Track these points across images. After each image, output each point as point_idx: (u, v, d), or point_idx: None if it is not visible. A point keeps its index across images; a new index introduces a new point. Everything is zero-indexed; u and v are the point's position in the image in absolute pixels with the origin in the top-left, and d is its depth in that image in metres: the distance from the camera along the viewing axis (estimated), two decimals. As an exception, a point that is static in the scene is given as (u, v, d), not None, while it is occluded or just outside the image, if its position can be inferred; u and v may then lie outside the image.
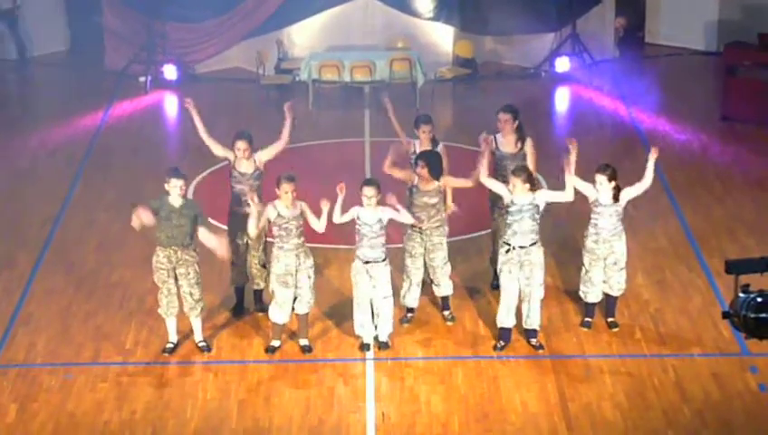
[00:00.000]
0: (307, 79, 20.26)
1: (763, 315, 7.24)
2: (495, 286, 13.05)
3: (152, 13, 21.57)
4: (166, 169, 12.21)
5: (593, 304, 12.78)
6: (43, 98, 21.59)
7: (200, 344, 12.46)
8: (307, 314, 12.40)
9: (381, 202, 12.05)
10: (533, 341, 12.44)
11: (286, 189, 11.95)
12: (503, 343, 12.41)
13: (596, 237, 12.45)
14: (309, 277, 12.22)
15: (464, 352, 12.48)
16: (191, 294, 12.22)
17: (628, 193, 12.42)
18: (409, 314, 12.94)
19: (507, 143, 13.11)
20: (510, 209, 12.05)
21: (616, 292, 12.71)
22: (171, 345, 12.43)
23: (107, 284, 14.00)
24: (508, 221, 12.10)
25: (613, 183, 12.29)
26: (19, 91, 22.19)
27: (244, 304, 13.19)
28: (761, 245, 14.51)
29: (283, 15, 21.78)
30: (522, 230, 12.05)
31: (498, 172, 13.09)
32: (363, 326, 12.35)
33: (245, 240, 12.83)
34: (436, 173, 12.40)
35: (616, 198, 12.34)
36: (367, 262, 12.13)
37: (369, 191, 11.99)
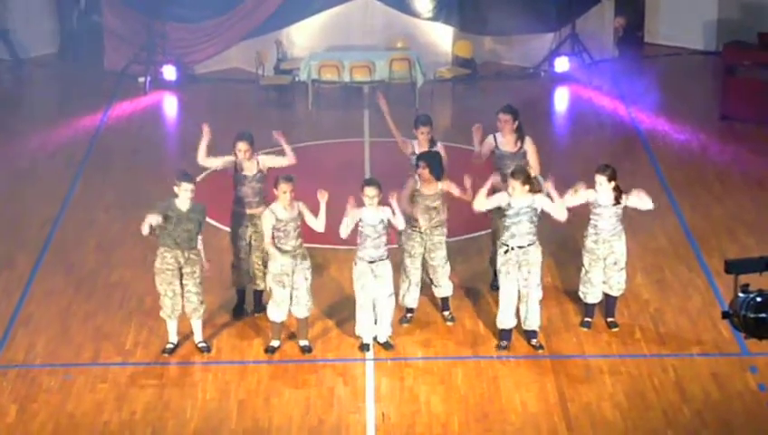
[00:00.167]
0: (306, 79, 20.26)
1: (763, 315, 7.24)
2: (495, 287, 13.04)
3: (152, 13, 21.57)
4: (176, 173, 12.18)
5: (593, 305, 12.78)
6: (42, 99, 21.58)
7: (200, 345, 12.46)
8: (307, 317, 12.39)
9: (383, 201, 12.05)
10: (534, 341, 12.44)
11: (284, 189, 11.95)
12: (505, 343, 12.40)
13: (596, 238, 12.45)
14: (306, 279, 12.22)
15: (463, 352, 12.48)
16: (196, 294, 12.22)
17: (630, 201, 12.40)
18: (409, 315, 12.94)
19: (507, 142, 13.12)
20: (508, 213, 12.04)
21: (616, 292, 12.71)
22: (171, 346, 12.43)
23: (106, 284, 14.00)
24: (506, 224, 12.09)
25: (613, 183, 12.28)
26: (19, 91, 22.16)
27: (244, 305, 13.18)
28: (760, 244, 14.52)
29: (282, 16, 21.77)
30: (520, 232, 12.05)
31: (497, 172, 13.11)
32: (365, 327, 12.34)
33: (248, 242, 12.83)
34: (437, 173, 12.39)
35: (617, 200, 12.32)
36: (371, 261, 12.13)
37: (370, 191, 11.99)
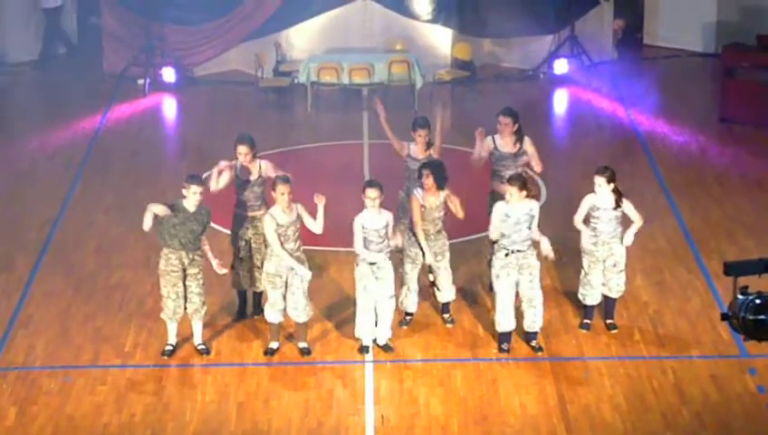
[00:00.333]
0: (306, 81, 20.27)
1: (762, 317, 7.24)
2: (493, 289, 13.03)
3: (151, 15, 21.58)
4: (186, 176, 12.16)
5: (592, 307, 12.79)
6: (42, 100, 21.58)
7: (199, 347, 12.46)
8: (306, 322, 12.39)
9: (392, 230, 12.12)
10: (533, 343, 12.44)
11: (282, 191, 11.94)
12: (506, 346, 12.40)
13: (595, 240, 12.45)
14: (301, 282, 12.21)
15: (463, 354, 12.48)
16: (199, 295, 12.23)
17: (626, 207, 12.39)
18: (408, 317, 12.94)
19: (506, 144, 13.13)
20: (507, 222, 12.00)
21: (615, 294, 12.71)
22: (171, 347, 12.43)
23: (106, 286, 14.00)
24: (506, 232, 12.05)
25: (612, 185, 12.28)
26: (18, 93, 22.16)
27: (246, 308, 13.17)
28: (759, 246, 14.52)
29: (281, 18, 21.78)
30: (520, 238, 12.05)
31: (496, 173, 13.12)
32: (364, 329, 12.34)
33: (248, 244, 12.82)
34: (441, 182, 12.37)
35: (617, 203, 12.32)
36: (373, 263, 12.12)
37: (372, 193, 11.98)
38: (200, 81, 21.91)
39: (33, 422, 11.41)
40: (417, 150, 13.12)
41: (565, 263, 13.97)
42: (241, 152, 12.71)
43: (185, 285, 12.17)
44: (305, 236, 12.31)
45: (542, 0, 21.70)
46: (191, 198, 11.98)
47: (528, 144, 13.19)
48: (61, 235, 15.43)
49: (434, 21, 21.86)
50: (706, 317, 13.06)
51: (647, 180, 16.77)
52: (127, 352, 12.57)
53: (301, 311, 12.26)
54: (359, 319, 12.33)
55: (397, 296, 12.53)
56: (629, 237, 12.51)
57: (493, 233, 12.14)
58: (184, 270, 12.13)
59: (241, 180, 12.75)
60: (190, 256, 12.09)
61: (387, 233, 12.11)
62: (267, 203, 12.65)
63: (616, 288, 12.65)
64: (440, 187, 12.40)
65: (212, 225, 13.85)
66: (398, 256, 12.69)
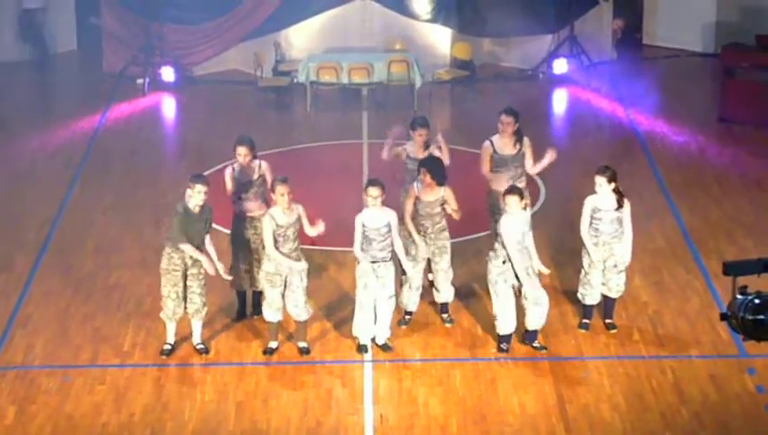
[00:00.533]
0: (305, 81, 20.27)
1: (761, 317, 7.23)
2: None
3: (150, 15, 21.58)
4: (190, 175, 12.13)
5: (591, 306, 12.78)
6: (41, 99, 21.58)
7: (198, 347, 12.46)
8: (306, 320, 12.39)
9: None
10: (536, 343, 12.42)
11: (281, 192, 11.93)
12: (505, 346, 12.39)
13: (596, 240, 12.43)
14: (301, 280, 12.21)
15: (462, 353, 12.48)
16: (200, 295, 12.22)
17: (626, 216, 12.39)
18: (407, 317, 12.93)
19: (506, 146, 13.11)
20: (515, 239, 11.96)
21: (615, 294, 12.70)
22: (169, 347, 12.43)
23: (105, 286, 14.00)
24: (509, 247, 12.01)
25: (613, 185, 12.25)
26: (17, 92, 22.16)
27: (246, 308, 13.16)
28: (759, 246, 14.52)
29: (280, 17, 21.79)
30: (519, 247, 12.05)
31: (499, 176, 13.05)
32: (363, 328, 12.33)
33: (248, 244, 12.82)
34: (439, 178, 12.36)
35: (619, 204, 12.31)
36: (374, 262, 12.12)
37: (374, 191, 11.97)
38: (199, 80, 21.91)
39: (32, 422, 11.41)
40: (415, 150, 13.11)
41: (564, 262, 13.98)
42: (240, 153, 12.71)
43: (185, 284, 12.17)
44: (305, 235, 12.30)
45: (541, 0, 21.70)
46: (196, 197, 11.97)
47: (527, 146, 13.19)
48: (60, 235, 15.42)
49: (433, 20, 21.87)
50: (705, 317, 13.06)
51: (646, 180, 16.77)
52: (125, 351, 12.56)
53: (301, 309, 12.26)
54: (357, 318, 12.32)
55: (397, 294, 12.52)
56: (627, 256, 12.53)
57: (511, 250, 11.93)
58: (186, 270, 12.12)
59: (241, 181, 12.74)
60: (194, 256, 12.09)
61: (389, 232, 12.09)
62: (267, 203, 12.64)
63: (616, 288, 12.64)
64: (439, 183, 12.40)
65: (214, 225, 13.90)
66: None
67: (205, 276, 12.24)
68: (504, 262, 12.06)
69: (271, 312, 12.29)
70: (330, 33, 21.72)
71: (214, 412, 11.52)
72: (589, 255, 12.46)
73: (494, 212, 13.01)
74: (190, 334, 12.48)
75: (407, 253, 12.49)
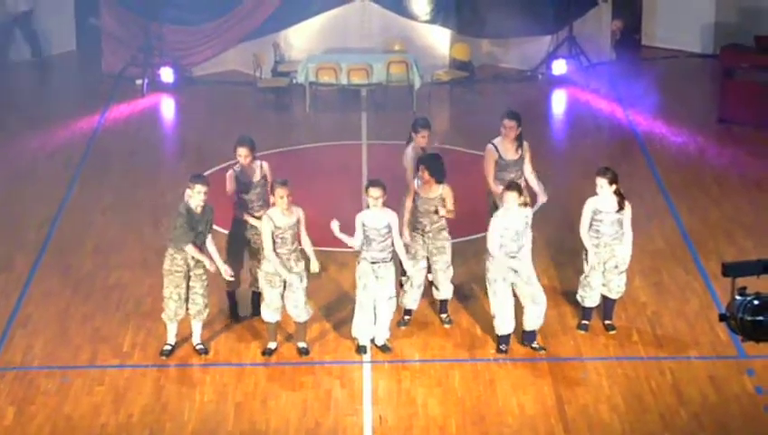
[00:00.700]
0: (304, 82, 20.26)
1: (760, 318, 7.23)
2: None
3: (149, 15, 21.57)
4: (190, 175, 12.12)
5: (591, 308, 12.78)
6: (40, 100, 21.57)
7: (198, 347, 12.46)
8: (306, 321, 12.39)
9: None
10: (534, 344, 12.42)
11: (281, 194, 11.92)
12: (504, 347, 12.39)
13: (597, 241, 12.42)
14: (301, 281, 12.21)
15: (461, 354, 12.48)
16: (202, 296, 12.22)
17: (626, 219, 12.39)
18: (407, 317, 12.93)
19: (508, 150, 13.10)
20: (507, 233, 11.96)
21: (615, 295, 12.69)
22: (169, 347, 12.42)
23: (104, 286, 14.00)
24: (504, 242, 12.00)
25: (614, 186, 12.24)
26: (17, 93, 22.16)
27: (238, 309, 13.15)
28: (758, 247, 14.53)
29: (279, 18, 21.77)
30: (516, 246, 12.06)
31: (500, 181, 12.99)
32: (362, 329, 12.33)
33: (248, 244, 12.81)
34: (438, 176, 12.37)
35: (620, 206, 12.30)
36: (374, 262, 12.12)
37: (375, 192, 11.97)
38: (198, 81, 21.90)
39: (31, 422, 11.40)
40: (415, 149, 13.08)
41: (563, 263, 13.99)
42: (241, 154, 12.70)
43: (188, 285, 12.16)
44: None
45: (540, 1, 21.71)
46: (196, 197, 11.96)
47: (526, 149, 13.19)
48: (59, 235, 15.42)
49: (432, 21, 21.85)
50: (705, 318, 13.06)
51: (645, 181, 16.77)
52: (125, 352, 12.56)
53: (301, 310, 12.26)
54: (356, 318, 12.32)
55: (397, 295, 12.52)
56: (626, 258, 12.55)
57: (492, 246, 12.03)
58: (188, 271, 12.12)
59: (242, 182, 12.74)
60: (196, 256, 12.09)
61: (389, 232, 12.09)
62: (268, 204, 12.62)
63: (616, 289, 12.64)
64: (438, 181, 12.40)
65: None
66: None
67: (207, 277, 12.23)
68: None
69: (269, 312, 12.29)
70: (329, 34, 21.70)
71: (213, 413, 11.52)
72: (588, 257, 12.44)
73: (495, 212, 13.01)
74: (189, 335, 12.48)
75: (407, 251, 12.50)
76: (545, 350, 12.40)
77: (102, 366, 12.30)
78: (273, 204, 12.05)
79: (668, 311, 13.29)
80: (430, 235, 12.58)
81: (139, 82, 21.25)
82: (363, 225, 12.04)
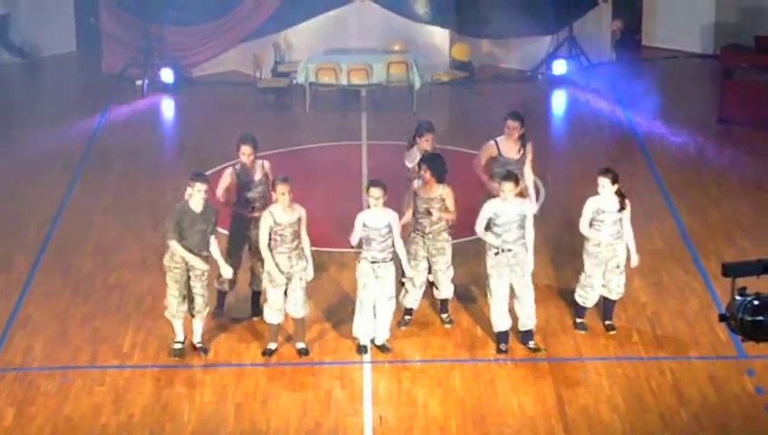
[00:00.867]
0: (304, 82, 20.26)
1: (760, 318, 7.23)
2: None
3: (149, 16, 21.58)
4: (190, 174, 12.12)
5: (588, 308, 12.78)
6: (40, 101, 21.57)
7: (198, 346, 12.44)
8: (303, 318, 12.39)
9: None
10: (531, 344, 12.43)
11: (282, 191, 11.92)
12: (504, 346, 12.40)
13: (598, 241, 12.40)
14: (301, 279, 12.21)
15: (461, 354, 12.48)
16: (202, 296, 12.22)
17: (626, 219, 12.39)
18: (407, 317, 12.93)
19: (510, 149, 13.12)
20: (497, 222, 12.03)
21: (615, 296, 12.68)
22: (180, 345, 12.34)
23: (104, 286, 14.00)
24: (497, 232, 12.05)
25: (616, 186, 12.24)
26: (17, 93, 22.17)
27: (224, 306, 13.14)
28: (757, 247, 14.53)
29: (279, 18, 21.78)
30: (511, 239, 12.06)
31: (498, 177, 13.04)
32: (362, 328, 12.33)
33: (247, 244, 12.81)
34: (439, 176, 12.38)
35: (622, 205, 12.30)
36: (374, 262, 12.12)
37: (376, 192, 11.96)
38: (198, 81, 21.91)
39: (31, 423, 11.40)
40: (419, 151, 13.08)
41: (563, 263, 13.99)
42: (245, 152, 12.69)
43: (188, 283, 12.16)
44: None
45: (540, 1, 21.71)
46: (196, 196, 11.95)
47: (529, 150, 13.20)
48: (59, 235, 15.42)
49: (432, 21, 21.87)
50: (705, 318, 13.06)
51: (645, 181, 16.77)
52: (125, 352, 12.56)
53: (299, 307, 12.25)
54: (357, 317, 12.31)
55: (398, 295, 12.51)
56: (634, 258, 12.54)
57: (478, 227, 12.12)
58: (188, 270, 12.11)
59: (243, 181, 12.73)
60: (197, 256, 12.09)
61: (389, 233, 12.09)
62: (268, 204, 12.62)
63: (616, 289, 12.63)
64: (439, 180, 12.40)
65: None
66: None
67: (207, 277, 12.22)
68: (496, 253, 12.09)
69: (272, 313, 12.28)
70: (329, 35, 21.71)
71: (213, 413, 11.52)
72: (591, 256, 12.43)
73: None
74: (190, 335, 12.47)
75: (408, 253, 12.50)
76: (543, 350, 12.39)
77: (102, 367, 12.30)
78: (276, 201, 12.05)
79: (668, 311, 13.29)
80: (430, 236, 12.58)
81: (139, 82, 21.26)
82: (364, 224, 12.05)
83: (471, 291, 13.60)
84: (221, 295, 13.11)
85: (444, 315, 13.03)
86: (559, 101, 20.99)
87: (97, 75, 22.10)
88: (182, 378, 12.11)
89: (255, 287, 13.00)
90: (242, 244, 12.87)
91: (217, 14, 22.03)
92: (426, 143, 13.06)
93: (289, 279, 12.15)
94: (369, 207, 12.09)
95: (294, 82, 20.57)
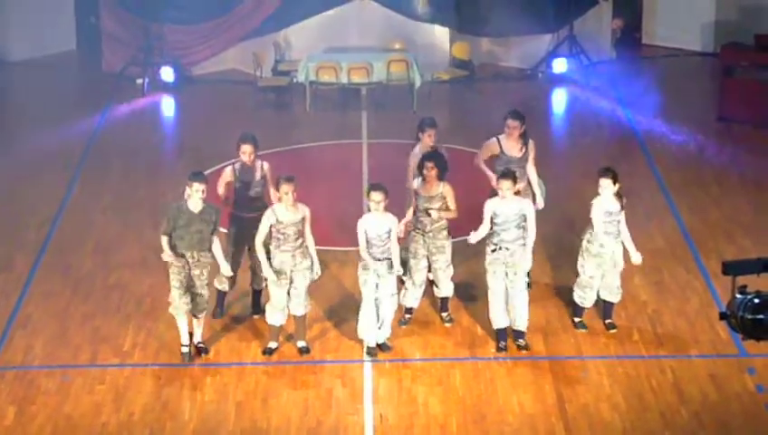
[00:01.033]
0: (304, 81, 20.25)
1: (761, 316, 7.24)
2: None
3: (149, 15, 21.57)
4: (189, 174, 12.12)
5: (587, 308, 12.79)
6: (40, 100, 21.56)
7: (199, 345, 12.44)
8: (304, 315, 12.39)
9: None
10: (520, 341, 12.41)
11: (286, 190, 11.91)
12: (503, 344, 12.40)
13: (602, 242, 12.37)
14: (304, 278, 12.21)
15: (461, 353, 12.48)
16: (202, 295, 12.22)
17: (622, 220, 12.39)
18: (407, 316, 12.93)
19: (512, 147, 13.11)
20: (496, 221, 12.04)
21: (614, 298, 12.66)
22: (186, 349, 12.30)
23: (104, 286, 14.00)
24: (495, 229, 12.06)
25: (617, 186, 12.24)
26: (17, 93, 22.17)
27: (223, 306, 13.13)
28: (757, 246, 14.52)
29: (280, 17, 21.77)
30: (509, 237, 12.06)
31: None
32: (367, 329, 12.28)
33: (245, 244, 12.81)
34: (441, 172, 12.40)
35: (622, 205, 12.29)
36: (375, 259, 12.10)
37: (376, 196, 11.94)
38: (199, 80, 21.91)
39: (31, 422, 11.41)
40: (422, 149, 13.06)
41: (562, 262, 13.98)
42: (245, 151, 12.67)
43: (190, 281, 12.14)
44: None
45: (540, -1, 21.74)
46: (194, 195, 11.94)
47: (531, 149, 13.19)
48: (59, 235, 15.42)
49: (432, 20, 21.85)
50: (705, 317, 13.06)
51: (645, 180, 16.77)
52: (125, 351, 12.56)
53: (300, 305, 12.24)
54: (361, 319, 12.26)
55: (399, 291, 12.51)
56: (636, 256, 12.53)
57: (482, 230, 12.12)
58: (189, 266, 12.10)
59: (242, 180, 12.72)
60: (195, 256, 12.06)
61: (389, 237, 12.07)
62: (267, 203, 12.61)
63: (616, 291, 12.62)
64: (440, 177, 12.40)
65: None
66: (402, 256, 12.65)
67: (208, 277, 12.22)
68: (493, 250, 12.09)
69: (275, 314, 12.25)
70: (329, 33, 21.70)
71: (213, 412, 11.52)
72: (594, 256, 12.41)
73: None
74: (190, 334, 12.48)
75: (408, 250, 12.50)
76: (528, 348, 12.35)
77: (103, 365, 12.30)
78: (279, 199, 12.03)
79: (669, 309, 13.29)
80: (431, 234, 12.58)
81: (139, 81, 21.25)
82: (366, 232, 12.02)
83: (471, 289, 13.59)
84: (221, 295, 13.11)
85: (444, 314, 13.03)
86: (559, 100, 20.99)
87: (97, 74, 22.10)
88: (183, 376, 12.11)
89: (256, 286, 13.00)
90: (241, 244, 12.86)
91: (217, 12, 22.02)
92: (428, 138, 13.06)
93: (292, 279, 12.14)
94: (369, 210, 12.08)
95: (294, 80, 20.56)
